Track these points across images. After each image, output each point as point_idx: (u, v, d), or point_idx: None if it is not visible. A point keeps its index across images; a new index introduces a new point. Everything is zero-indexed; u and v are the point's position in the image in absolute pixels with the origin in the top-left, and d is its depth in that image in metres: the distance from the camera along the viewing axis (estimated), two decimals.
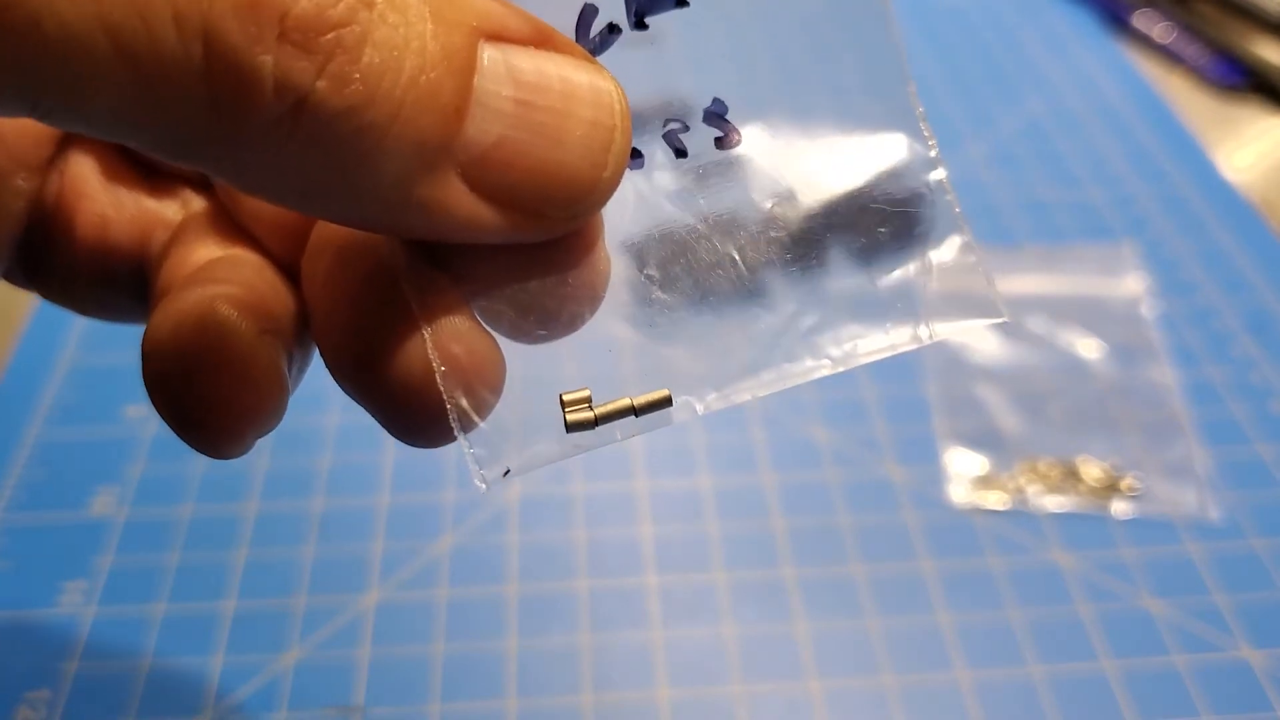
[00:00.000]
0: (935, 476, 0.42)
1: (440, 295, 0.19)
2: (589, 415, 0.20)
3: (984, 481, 0.42)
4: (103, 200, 0.23)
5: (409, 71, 0.15)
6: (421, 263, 0.19)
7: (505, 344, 0.20)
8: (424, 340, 0.18)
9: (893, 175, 0.21)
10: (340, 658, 0.37)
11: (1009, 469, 0.43)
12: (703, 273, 0.21)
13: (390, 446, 0.43)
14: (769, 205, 0.21)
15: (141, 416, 0.45)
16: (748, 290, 0.21)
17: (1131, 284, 0.51)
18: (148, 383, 0.20)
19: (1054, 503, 0.41)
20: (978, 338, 0.48)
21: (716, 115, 0.20)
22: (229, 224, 0.22)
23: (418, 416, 0.19)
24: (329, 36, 0.14)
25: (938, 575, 0.39)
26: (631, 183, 0.20)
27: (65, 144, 0.23)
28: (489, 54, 0.16)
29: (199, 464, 0.42)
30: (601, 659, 0.37)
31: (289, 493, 0.42)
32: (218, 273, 0.21)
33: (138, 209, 0.23)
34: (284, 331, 0.21)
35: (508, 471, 0.19)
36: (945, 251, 0.21)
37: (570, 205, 0.17)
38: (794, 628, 0.37)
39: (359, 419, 0.23)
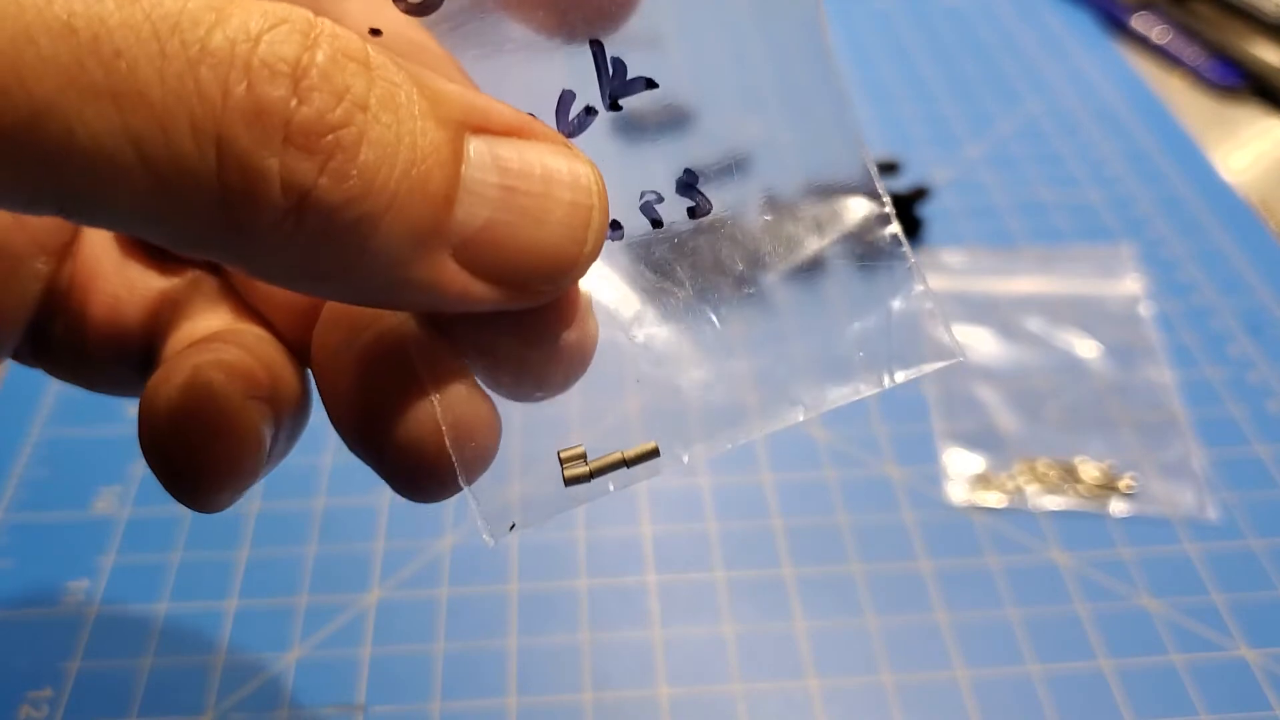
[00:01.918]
0: (934, 476, 0.43)
1: (445, 364, 0.20)
2: (585, 470, 0.22)
3: (982, 481, 0.42)
4: (115, 281, 0.24)
5: (401, 165, 0.16)
6: (427, 333, 0.21)
7: (503, 404, 0.21)
8: (430, 406, 0.20)
9: (853, 233, 0.23)
10: (342, 656, 0.37)
11: (1007, 468, 0.43)
12: (685, 331, 0.23)
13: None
14: (740, 268, 0.23)
15: None
16: (726, 344, 0.23)
17: (1129, 284, 0.51)
18: (140, 440, 0.21)
19: (1052, 502, 0.42)
20: (976, 339, 0.48)
21: (688, 186, 0.22)
22: (238, 302, 0.24)
23: (424, 477, 0.21)
24: (329, 138, 0.15)
25: (936, 574, 0.39)
26: (616, 253, 0.22)
27: (81, 228, 0.24)
28: (475, 145, 0.17)
29: None
30: (601, 657, 0.37)
31: (291, 492, 0.42)
32: (215, 341, 0.22)
33: (149, 289, 0.24)
34: (275, 399, 0.22)
35: (513, 526, 0.21)
36: (904, 301, 0.23)
37: (554, 278, 0.19)
38: (793, 626, 0.38)
39: None
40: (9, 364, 0.47)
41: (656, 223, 0.22)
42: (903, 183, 0.55)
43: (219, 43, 0.15)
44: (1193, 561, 0.40)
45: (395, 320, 0.21)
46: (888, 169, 0.54)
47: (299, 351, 0.23)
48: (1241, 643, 0.37)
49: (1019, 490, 0.42)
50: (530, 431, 0.22)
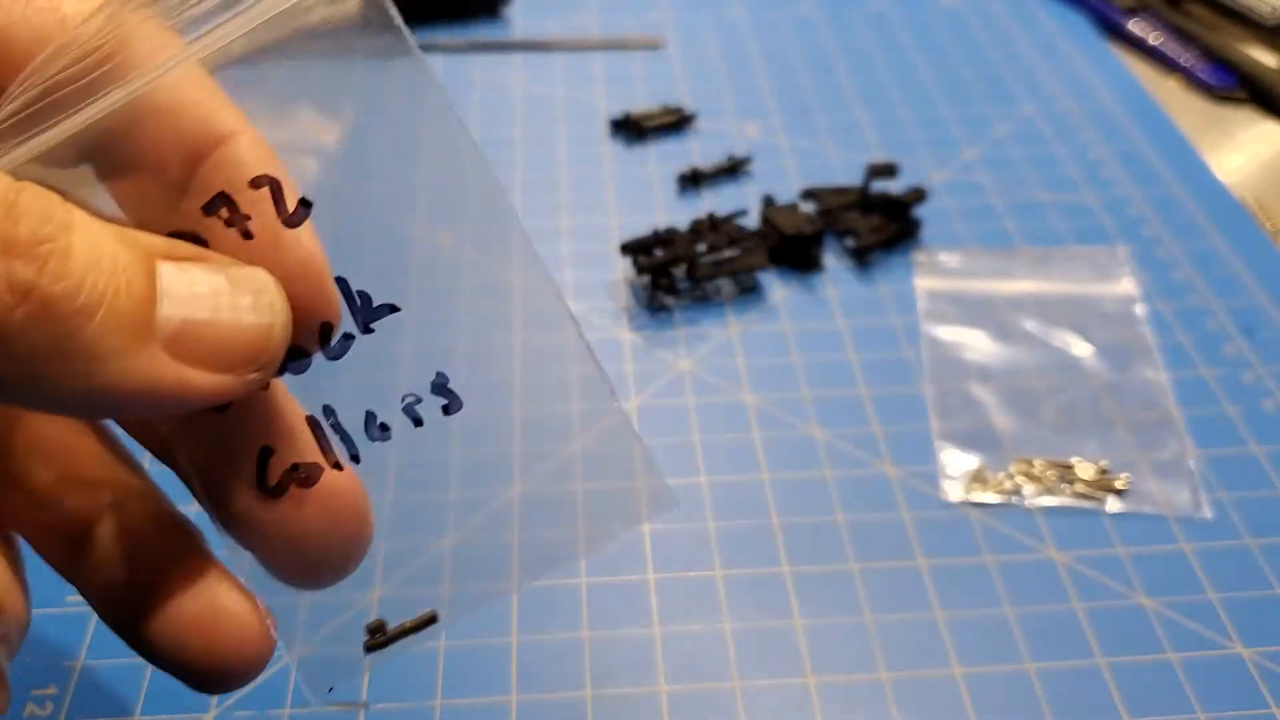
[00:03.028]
0: (931, 475, 0.43)
1: (203, 575, 0.26)
2: (380, 640, 0.27)
3: (979, 480, 0.43)
4: None
5: (106, 273, 0.19)
6: (185, 545, 0.25)
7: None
8: (198, 613, 0.25)
9: (585, 422, 0.28)
10: (344, 654, 0.37)
11: (1004, 467, 0.43)
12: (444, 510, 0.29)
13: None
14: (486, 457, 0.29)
15: None
16: (466, 535, 0.28)
17: (1125, 285, 0.51)
18: None
19: (1048, 501, 0.42)
20: (973, 339, 0.49)
21: (442, 386, 0.25)
22: None
23: (203, 680, 0.26)
24: (43, 248, 0.18)
25: (933, 572, 0.39)
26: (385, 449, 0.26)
27: None
28: (163, 265, 0.21)
29: None
30: (602, 654, 0.37)
31: None
32: None
33: None
34: (4, 630, 0.25)
35: (331, 689, 0.27)
36: (631, 471, 0.28)
37: (253, 359, 0.22)
38: (792, 623, 0.38)
39: None
40: None
41: (417, 421, 0.25)
42: (900, 184, 0.55)
43: None
44: (1188, 559, 0.40)
45: (170, 530, 0.25)
46: (885, 171, 0.55)
47: (58, 565, 0.27)
48: (1237, 640, 0.37)
49: (1015, 489, 0.42)
50: (327, 607, 0.28)
